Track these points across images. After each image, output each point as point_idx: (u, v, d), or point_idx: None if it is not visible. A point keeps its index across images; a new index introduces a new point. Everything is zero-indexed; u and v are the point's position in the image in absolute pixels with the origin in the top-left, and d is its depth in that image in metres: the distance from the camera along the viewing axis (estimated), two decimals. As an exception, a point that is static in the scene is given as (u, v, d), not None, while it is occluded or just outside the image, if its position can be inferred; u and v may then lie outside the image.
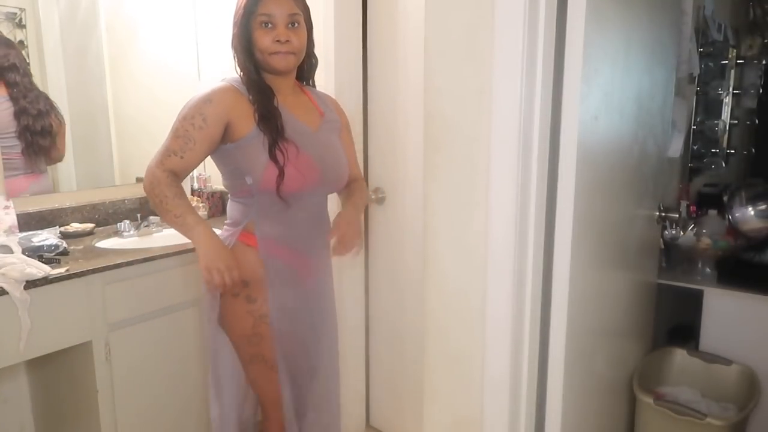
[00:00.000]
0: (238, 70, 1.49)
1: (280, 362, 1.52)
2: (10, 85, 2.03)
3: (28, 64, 2.07)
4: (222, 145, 1.44)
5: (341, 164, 1.57)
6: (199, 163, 1.48)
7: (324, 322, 1.64)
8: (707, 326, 2.05)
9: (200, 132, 1.40)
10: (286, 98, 1.50)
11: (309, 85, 1.62)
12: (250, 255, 1.47)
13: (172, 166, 1.42)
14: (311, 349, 1.61)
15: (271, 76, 1.48)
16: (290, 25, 1.43)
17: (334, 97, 2.01)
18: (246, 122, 1.42)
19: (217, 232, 1.48)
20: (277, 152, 1.40)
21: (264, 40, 1.41)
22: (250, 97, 1.44)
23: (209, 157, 1.48)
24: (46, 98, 2.11)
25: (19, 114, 2.05)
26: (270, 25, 1.41)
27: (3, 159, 2.00)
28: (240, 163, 1.44)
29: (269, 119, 1.42)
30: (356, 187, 1.68)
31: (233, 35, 1.47)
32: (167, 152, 1.42)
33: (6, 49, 2.02)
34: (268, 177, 1.41)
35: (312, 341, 1.61)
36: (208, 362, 1.59)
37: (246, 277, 1.47)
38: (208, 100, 1.41)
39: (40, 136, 2.11)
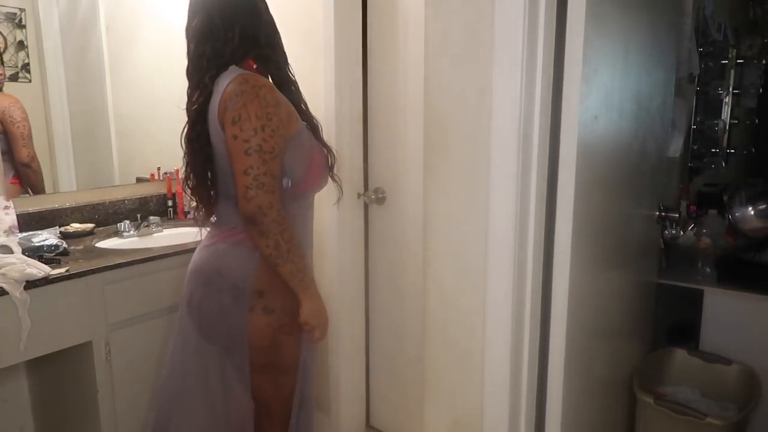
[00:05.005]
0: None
1: (301, 365, 1.47)
2: None
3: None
4: None
5: None
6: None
7: None
8: (707, 326, 2.05)
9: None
10: None
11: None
12: (261, 260, 1.35)
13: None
14: (312, 346, 1.56)
15: None
16: None
17: (333, 96, 2.01)
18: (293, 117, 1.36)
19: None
20: (324, 148, 1.42)
21: None
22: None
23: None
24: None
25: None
26: None
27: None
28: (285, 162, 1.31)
29: (306, 113, 1.45)
30: None
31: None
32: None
33: None
34: (314, 174, 1.38)
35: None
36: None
37: (261, 287, 1.37)
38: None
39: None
